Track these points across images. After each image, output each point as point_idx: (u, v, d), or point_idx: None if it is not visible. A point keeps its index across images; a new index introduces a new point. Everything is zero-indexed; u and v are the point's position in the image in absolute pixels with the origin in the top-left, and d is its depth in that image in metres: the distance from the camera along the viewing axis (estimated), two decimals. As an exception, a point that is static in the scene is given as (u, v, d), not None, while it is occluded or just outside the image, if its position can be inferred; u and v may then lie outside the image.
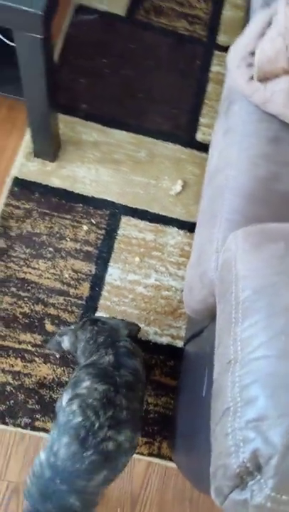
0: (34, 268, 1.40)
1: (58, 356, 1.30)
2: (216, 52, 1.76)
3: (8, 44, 1.28)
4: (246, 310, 0.64)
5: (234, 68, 1.01)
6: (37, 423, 1.24)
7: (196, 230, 1.05)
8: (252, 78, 0.97)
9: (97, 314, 1.36)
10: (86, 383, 0.99)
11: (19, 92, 1.25)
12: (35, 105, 1.28)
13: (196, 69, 1.72)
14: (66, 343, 1.16)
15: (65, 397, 1.01)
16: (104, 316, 1.29)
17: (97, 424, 0.93)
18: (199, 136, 1.63)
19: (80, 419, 0.94)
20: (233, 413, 0.56)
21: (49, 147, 1.46)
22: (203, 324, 1.06)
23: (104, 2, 1.78)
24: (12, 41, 1.15)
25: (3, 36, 1.28)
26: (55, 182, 1.50)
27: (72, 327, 1.19)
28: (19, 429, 1.24)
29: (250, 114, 0.99)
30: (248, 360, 0.59)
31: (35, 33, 1.02)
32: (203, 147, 1.59)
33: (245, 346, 0.60)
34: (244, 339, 0.61)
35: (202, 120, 1.65)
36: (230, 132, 1.01)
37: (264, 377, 0.56)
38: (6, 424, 1.24)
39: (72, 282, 1.40)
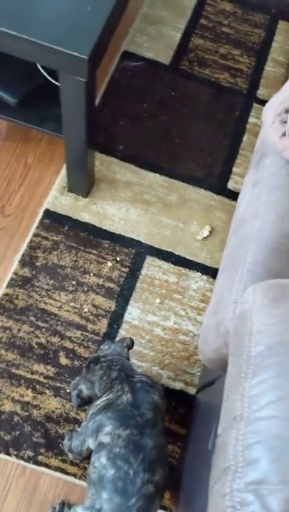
0: (55, 300, 1.41)
1: (68, 391, 1.30)
2: (255, 105, 1.80)
3: (52, 83, 1.34)
4: (257, 366, 0.63)
5: (268, 123, 1.03)
6: (40, 457, 1.22)
7: (218, 277, 1.05)
8: (284, 135, 0.98)
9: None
10: (108, 428, 0.99)
11: (59, 130, 1.30)
12: (73, 143, 1.32)
13: (234, 119, 1.76)
14: (85, 392, 1.13)
15: (89, 442, 1.03)
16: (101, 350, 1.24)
17: (131, 472, 0.93)
18: (231, 185, 1.64)
19: (113, 471, 0.94)
20: (234, 473, 0.54)
21: (83, 183, 1.50)
22: (217, 374, 1.04)
23: (151, 50, 1.86)
24: (57, 81, 1.20)
25: (49, 75, 1.34)
26: (85, 217, 1.53)
27: (78, 377, 1.17)
28: (21, 462, 1.22)
29: (281, 168, 1.00)
30: (254, 419, 0.57)
31: (80, 76, 1.06)
32: (234, 196, 1.60)
33: (253, 404, 0.59)
34: (252, 396, 0.60)
35: (235, 169, 1.67)
36: (259, 184, 1.02)
37: (269, 439, 0.54)
38: (9, 455, 1.22)
39: (91, 317, 1.40)
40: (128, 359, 1.16)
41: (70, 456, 1.17)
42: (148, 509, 0.94)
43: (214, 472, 0.59)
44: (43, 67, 1.33)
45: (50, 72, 1.34)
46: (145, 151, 1.66)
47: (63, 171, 1.57)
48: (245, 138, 1.73)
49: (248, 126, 1.75)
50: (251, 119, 1.77)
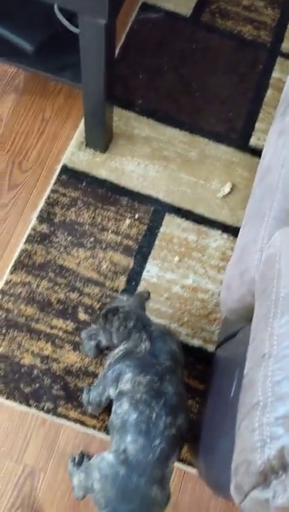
0: (73, 256, 1.40)
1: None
2: (279, 59, 1.73)
3: (70, 31, 1.30)
4: (286, 306, 0.61)
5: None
6: (60, 409, 1.24)
7: (241, 230, 1.02)
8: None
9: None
10: (127, 376, 1.00)
11: (77, 79, 1.26)
12: (91, 93, 1.28)
13: (257, 73, 1.70)
14: (104, 342, 1.15)
15: (108, 392, 1.04)
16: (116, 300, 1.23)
17: (154, 415, 0.95)
18: (253, 141, 1.59)
19: (135, 415, 0.96)
20: (263, 408, 0.53)
21: (101, 138, 1.46)
22: (238, 327, 1.03)
23: (171, 2, 1.79)
24: (75, 27, 1.16)
25: (68, 21, 1.29)
26: (103, 173, 1.50)
27: (95, 327, 1.17)
28: (41, 413, 1.23)
29: (309, 114, 0.96)
30: (283, 356, 0.56)
31: (101, 17, 1.02)
32: (257, 152, 1.56)
33: (282, 341, 0.57)
34: (281, 334, 0.58)
35: (258, 125, 1.62)
36: (285, 133, 0.98)
37: (299, 374, 0.53)
38: (30, 406, 1.24)
39: (109, 274, 1.39)
40: (144, 311, 1.16)
41: (89, 409, 1.18)
42: (170, 452, 0.95)
43: (242, 409, 0.58)
44: (60, 12, 1.28)
45: (68, 18, 1.29)
46: (164, 105, 1.61)
47: (81, 126, 1.53)
48: (268, 93, 1.67)
49: (271, 81, 1.69)
50: (275, 74, 1.71)
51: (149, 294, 1.18)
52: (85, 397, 1.18)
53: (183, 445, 1.02)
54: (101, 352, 1.15)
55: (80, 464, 1.13)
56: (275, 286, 0.65)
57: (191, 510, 1.18)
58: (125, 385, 0.99)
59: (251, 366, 0.61)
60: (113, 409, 1.01)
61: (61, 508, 1.15)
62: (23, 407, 1.23)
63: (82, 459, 1.17)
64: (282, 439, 0.49)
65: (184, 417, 1.00)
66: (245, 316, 0.89)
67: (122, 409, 0.97)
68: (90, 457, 1.17)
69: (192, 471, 1.20)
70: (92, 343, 1.15)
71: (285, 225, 0.80)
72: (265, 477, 0.50)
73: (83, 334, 1.22)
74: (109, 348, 1.13)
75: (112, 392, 1.03)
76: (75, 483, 1.09)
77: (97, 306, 1.35)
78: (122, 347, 1.05)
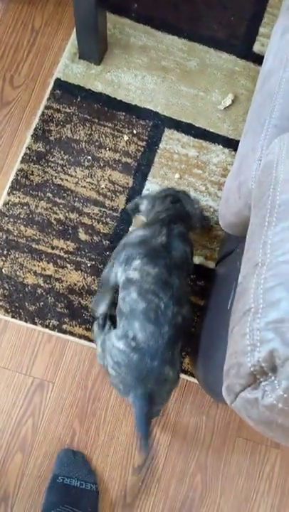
0: (71, 175, 1.37)
1: (89, 265, 1.31)
2: None
3: None
4: (281, 213, 0.60)
5: None
6: (64, 326, 1.27)
7: (241, 139, 0.98)
8: None
9: (131, 229, 1.34)
10: (137, 262, 1.03)
11: (65, -19, 1.17)
12: (81, -3, 1.19)
13: None
14: (143, 207, 1.23)
15: (117, 269, 1.07)
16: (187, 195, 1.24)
17: (162, 305, 0.99)
18: (257, 48, 1.50)
19: (144, 305, 0.99)
20: (254, 314, 0.53)
21: (95, 48, 1.38)
22: (237, 243, 1.02)
23: None
24: None
25: None
26: (99, 86, 1.43)
27: (155, 194, 1.23)
28: (47, 330, 1.27)
29: (315, 9, 0.88)
30: (276, 263, 0.55)
31: None
32: (261, 60, 1.46)
33: (275, 249, 0.57)
34: (275, 242, 0.57)
35: (262, 30, 1.51)
36: (289, 31, 0.91)
37: (291, 279, 0.53)
38: (35, 323, 1.27)
39: (108, 193, 1.37)
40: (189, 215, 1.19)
41: (96, 313, 1.18)
42: (177, 340, 1.00)
43: (234, 316, 0.59)
44: None
45: None
46: (162, 10, 1.50)
47: (74, 36, 1.44)
48: (273, -7, 1.54)
49: (277, -21, 1.56)
50: None
51: (209, 222, 1.24)
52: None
53: (188, 333, 1.07)
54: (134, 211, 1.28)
55: (104, 326, 1.16)
56: (271, 194, 0.63)
57: (192, 417, 1.24)
58: (134, 272, 1.03)
59: (245, 275, 0.60)
60: (121, 296, 1.04)
61: (70, 416, 1.22)
62: (29, 325, 1.27)
63: (105, 321, 1.19)
64: (272, 342, 0.50)
65: (188, 308, 1.04)
66: (244, 230, 0.88)
67: (131, 298, 1.01)
68: (111, 319, 1.17)
69: (193, 380, 1.25)
70: (137, 201, 1.25)
71: (286, 132, 0.76)
72: (255, 378, 0.51)
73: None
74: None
75: (119, 273, 1.07)
76: (98, 350, 1.14)
77: (98, 226, 1.34)
78: (141, 232, 1.09)
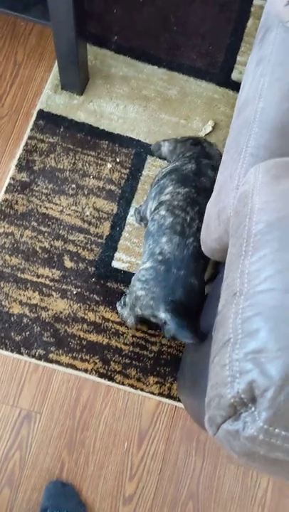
0: (56, 204, 1.38)
1: (74, 292, 1.31)
2: (261, -16, 1.64)
3: None
4: (257, 243, 0.61)
5: (273, -9, 0.93)
6: (51, 355, 1.26)
7: (220, 167, 1.00)
8: (290, 2, 0.88)
9: (116, 255, 1.35)
10: (169, 188, 1.10)
11: (46, 16, 1.20)
12: (62, 31, 1.22)
13: (237, 2, 1.61)
14: (165, 148, 1.31)
15: (151, 204, 1.14)
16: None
17: (188, 218, 1.05)
18: (235, 76, 1.54)
19: (171, 219, 1.05)
20: (233, 344, 0.54)
21: (77, 79, 1.41)
22: (220, 267, 1.03)
23: None
24: None
25: None
26: (82, 116, 1.45)
27: (177, 138, 1.30)
28: (33, 360, 1.26)
29: (286, 42, 0.91)
30: (253, 293, 0.56)
31: None
32: (239, 87, 1.50)
33: (252, 279, 0.57)
34: (252, 272, 0.58)
35: (239, 58, 1.56)
36: (263, 62, 0.94)
37: (267, 310, 0.53)
38: (21, 354, 1.26)
39: (93, 220, 1.38)
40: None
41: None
42: (201, 253, 1.01)
43: (214, 346, 0.59)
44: None
45: None
46: (142, 41, 1.54)
47: (55, 68, 1.47)
48: (249, 23, 1.59)
49: (252, 9, 1.61)
50: (256, 1, 1.62)
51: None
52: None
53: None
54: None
55: (125, 304, 1.20)
56: (247, 224, 0.64)
57: (182, 443, 1.23)
58: (165, 196, 1.09)
59: (224, 304, 0.61)
60: (151, 217, 1.10)
61: (58, 447, 1.20)
62: (16, 355, 1.26)
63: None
64: (251, 373, 0.50)
65: None
66: (224, 256, 0.89)
67: (160, 215, 1.07)
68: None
69: (182, 406, 1.25)
70: (160, 143, 1.32)
71: (262, 161, 0.78)
72: (235, 410, 0.52)
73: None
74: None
75: (153, 204, 1.12)
76: (125, 316, 1.20)
77: (83, 253, 1.35)
78: (171, 165, 1.15)
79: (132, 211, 1.39)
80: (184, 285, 1.01)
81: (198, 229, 1.03)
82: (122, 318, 1.25)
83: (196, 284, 1.03)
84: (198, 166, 1.13)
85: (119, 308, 1.27)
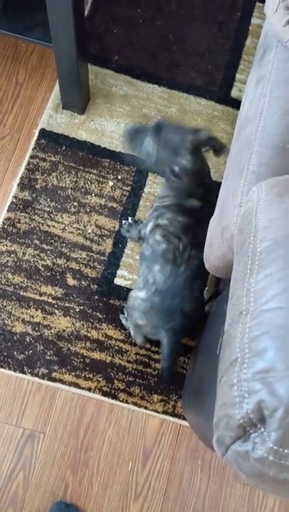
0: (58, 222, 1.39)
1: (77, 310, 1.31)
2: (258, 4, 1.67)
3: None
4: (262, 261, 0.61)
5: (271, 12, 0.94)
6: (54, 374, 1.25)
7: (222, 184, 1.01)
8: (289, 22, 0.90)
9: (119, 272, 1.35)
10: (168, 215, 1.10)
11: (47, 38, 1.22)
12: (63, 52, 1.24)
13: (235, 21, 1.63)
14: (150, 149, 1.12)
15: (148, 227, 1.13)
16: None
17: (181, 246, 1.06)
18: (234, 93, 1.55)
19: (164, 245, 1.06)
20: (241, 364, 0.54)
21: (78, 99, 1.42)
22: (225, 284, 1.03)
23: None
24: (41, -18, 1.11)
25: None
26: (83, 135, 1.47)
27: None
28: (36, 379, 1.25)
29: (285, 61, 0.92)
30: (260, 312, 0.56)
31: None
32: (238, 104, 1.51)
33: (258, 298, 0.57)
34: (257, 290, 0.58)
35: (238, 76, 1.57)
36: (262, 81, 0.95)
37: (275, 329, 0.53)
38: (24, 373, 1.25)
39: (95, 238, 1.38)
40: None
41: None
42: (192, 281, 1.05)
43: (222, 366, 0.59)
44: None
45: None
46: (141, 60, 1.56)
47: (57, 88, 1.49)
48: (248, 41, 1.62)
49: (250, 28, 1.63)
50: (254, 20, 1.65)
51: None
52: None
53: (205, 277, 1.11)
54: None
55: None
56: (252, 242, 0.65)
57: (188, 461, 1.22)
58: (163, 220, 1.09)
59: (230, 323, 0.61)
60: (146, 240, 1.12)
61: (62, 467, 1.19)
62: (18, 374, 1.25)
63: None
64: (260, 393, 0.50)
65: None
66: (228, 273, 0.89)
67: (154, 240, 1.08)
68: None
69: (187, 424, 1.24)
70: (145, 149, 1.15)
71: (264, 178, 0.79)
72: (245, 430, 0.51)
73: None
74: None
75: (149, 226, 1.12)
76: (133, 336, 1.21)
77: (86, 271, 1.35)
78: (170, 201, 1.12)
79: (123, 223, 1.39)
80: (180, 312, 1.05)
81: (191, 256, 1.06)
82: (126, 327, 1.29)
83: (193, 308, 1.07)
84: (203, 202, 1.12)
85: (123, 321, 1.28)
